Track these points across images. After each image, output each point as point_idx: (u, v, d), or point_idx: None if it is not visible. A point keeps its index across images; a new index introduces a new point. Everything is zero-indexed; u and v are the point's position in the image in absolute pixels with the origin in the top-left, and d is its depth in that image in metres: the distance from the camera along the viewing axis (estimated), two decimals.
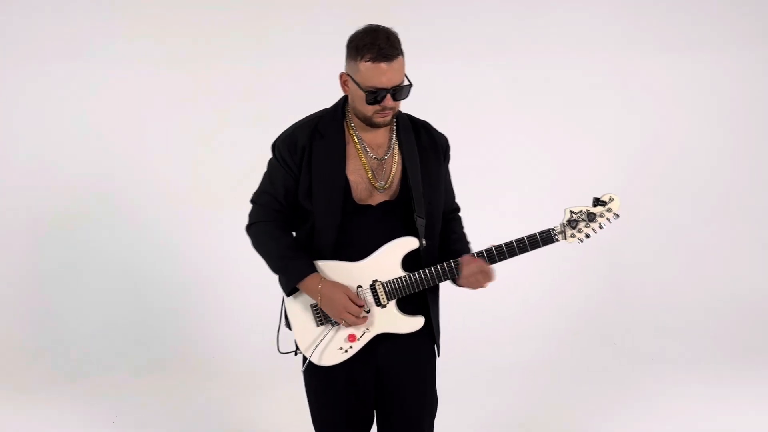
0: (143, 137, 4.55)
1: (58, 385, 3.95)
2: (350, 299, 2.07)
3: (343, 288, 2.08)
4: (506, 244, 2.07)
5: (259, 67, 4.55)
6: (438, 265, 2.10)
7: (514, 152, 4.69)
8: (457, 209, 2.37)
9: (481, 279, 2.09)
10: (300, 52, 4.51)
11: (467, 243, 2.27)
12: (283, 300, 2.21)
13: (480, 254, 2.08)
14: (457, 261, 2.09)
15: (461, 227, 2.34)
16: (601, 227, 2.07)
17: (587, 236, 2.07)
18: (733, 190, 4.86)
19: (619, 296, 4.66)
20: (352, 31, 2.03)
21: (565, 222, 2.07)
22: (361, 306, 2.08)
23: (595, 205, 2.06)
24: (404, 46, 2.02)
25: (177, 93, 4.52)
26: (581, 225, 2.06)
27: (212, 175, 4.54)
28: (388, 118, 2.06)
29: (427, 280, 2.10)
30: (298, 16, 4.57)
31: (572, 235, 2.07)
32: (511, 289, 4.49)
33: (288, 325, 2.21)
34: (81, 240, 4.50)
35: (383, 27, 2.01)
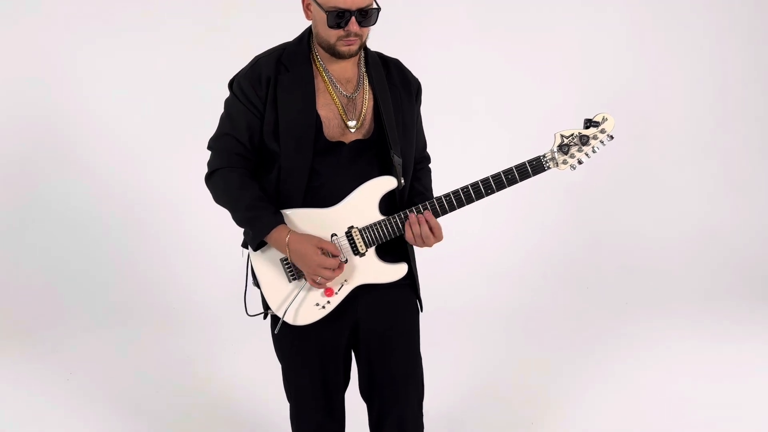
0: (91, 83, 4.30)
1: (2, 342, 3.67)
2: (324, 251, 1.85)
3: (314, 240, 1.85)
4: (493, 176, 1.87)
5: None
6: (420, 205, 1.89)
7: (486, 87, 4.54)
8: (428, 159, 2.17)
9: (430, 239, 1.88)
10: None
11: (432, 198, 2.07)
12: (248, 256, 1.99)
13: (465, 189, 1.88)
14: (440, 198, 1.89)
15: (429, 180, 2.13)
16: (594, 151, 1.89)
17: (580, 162, 1.89)
18: (702, 129, 4.78)
19: (590, 240, 4.58)
20: None
21: (555, 148, 1.88)
22: (336, 256, 1.87)
23: (587, 127, 1.87)
24: None
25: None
26: (573, 150, 1.88)
27: (172, 113, 4.27)
28: (354, 47, 1.83)
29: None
30: None
31: (564, 162, 1.88)
32: (481, 236, 4.43)
33: (256, 283, 1.99)
34: (28, 188, 4.27)
35: None
